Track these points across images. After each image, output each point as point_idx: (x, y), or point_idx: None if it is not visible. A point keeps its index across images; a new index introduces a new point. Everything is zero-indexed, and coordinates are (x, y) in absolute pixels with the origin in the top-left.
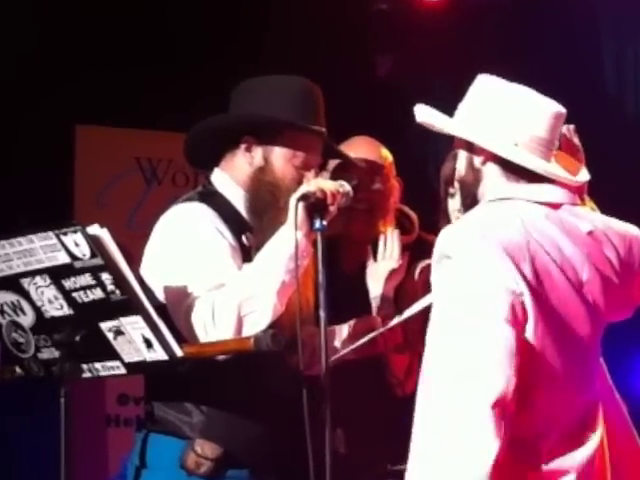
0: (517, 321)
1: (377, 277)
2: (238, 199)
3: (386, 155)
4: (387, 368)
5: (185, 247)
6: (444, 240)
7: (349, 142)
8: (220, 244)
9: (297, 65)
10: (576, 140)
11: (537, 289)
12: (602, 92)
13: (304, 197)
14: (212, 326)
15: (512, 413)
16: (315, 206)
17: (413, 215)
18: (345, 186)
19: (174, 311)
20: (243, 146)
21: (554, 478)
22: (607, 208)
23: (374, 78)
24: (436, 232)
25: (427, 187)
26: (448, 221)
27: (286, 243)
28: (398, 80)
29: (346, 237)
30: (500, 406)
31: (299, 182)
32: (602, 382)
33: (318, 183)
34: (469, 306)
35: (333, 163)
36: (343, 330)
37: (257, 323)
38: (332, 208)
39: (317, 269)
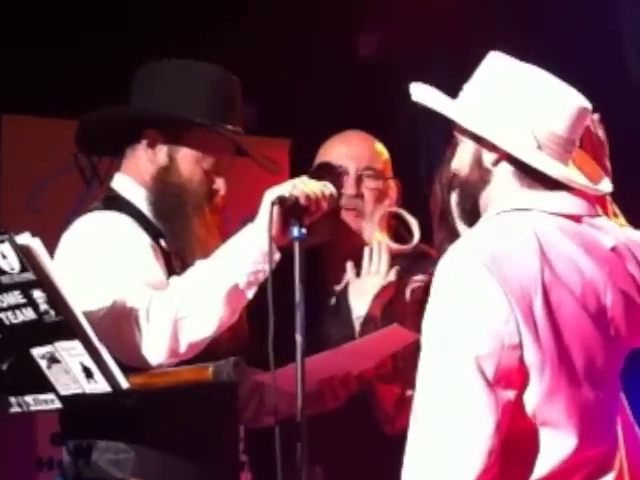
0: (509, 382)
1: (361, 295)
2: (142, 201)
3: (382, 150)
4: (374, 401)
5: (107, 254)
6: (438, 271)
7: (339, 137)
8: (144, 247)
9: (268, 44)
10: (601, 133)
11: (548, 329)
12: (624, 75)
13: (280, 200)
14: (145, 322)
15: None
16: (293, 211)
17: (413, 221)
18: (329, 186)
19: (98, 318)
20: (145, 141)
21: None
22: (632, 209)
23: (356, 59)
24: (433, 246)
25: (418, 189)
26: (447, 230)
27: (247, 244)
28: (384, 62)
29: (333, 248)
30: None
31: (208, 187)
32: (622, 418)
33: (301, 185)
34: (449, 363)
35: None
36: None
37: (198, 330)
38: (313, 213)
39: (295, 285)
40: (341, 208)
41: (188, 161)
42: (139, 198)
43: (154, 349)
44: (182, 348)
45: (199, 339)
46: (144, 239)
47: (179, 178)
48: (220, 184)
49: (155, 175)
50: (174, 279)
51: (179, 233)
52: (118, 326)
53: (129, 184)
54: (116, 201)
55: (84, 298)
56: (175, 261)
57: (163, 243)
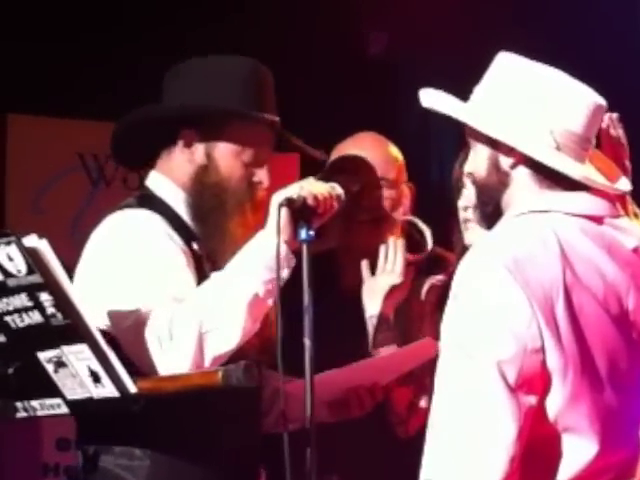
0: (531, 387)
1: (375, 294)
2: (179, 203)
3: (396, 156)
4: (387, 404)
5: (136, 258)
6: (457, 274)
7: (351, 139)
8: (175, 252)
9: (270, 42)
10: (620, 132)
11: (570, 333)
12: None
13: (289, 202)
14: (168, 340)
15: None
16: (301, 213)
17: (426, 229)
18: (336, 188)
19: (122, 328)
20: (181, 142)
21: None
22: None
23: (365, 58)
24: (450, 248)
25: (429, 192)
26: (460, 233)
27: (262, 251)
28: (394, 61)
29: (346, 251)
30: None
31: (249, 181)
32: None
33: (308, 186)
34: (469, 367)
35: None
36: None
37: (222, 343)
38: (321, 214)
39: (303, 288)
40: (352, 213)
41: (227, 156)
42: (176, 199)
43: (178, 364)
44: (207, 362)
45: (223, 352)
46: (176, 242)
47: (217, 176)
48: (262, 176)
49: (193, 176)
50: (193, 291)
51: (212, 234)
52: (140, 339)
53: (165, 184)
54: (150, 200)
55: (108, 304)
56: (206, 264)
57: (195, 246)
